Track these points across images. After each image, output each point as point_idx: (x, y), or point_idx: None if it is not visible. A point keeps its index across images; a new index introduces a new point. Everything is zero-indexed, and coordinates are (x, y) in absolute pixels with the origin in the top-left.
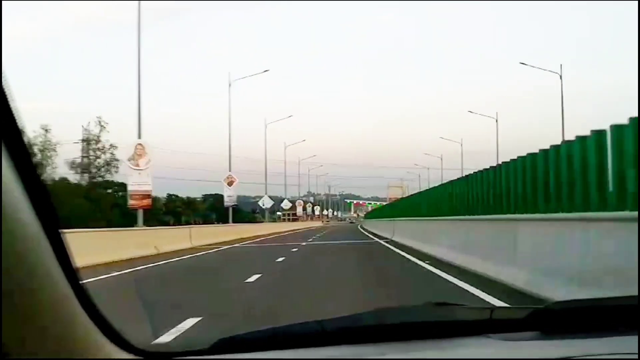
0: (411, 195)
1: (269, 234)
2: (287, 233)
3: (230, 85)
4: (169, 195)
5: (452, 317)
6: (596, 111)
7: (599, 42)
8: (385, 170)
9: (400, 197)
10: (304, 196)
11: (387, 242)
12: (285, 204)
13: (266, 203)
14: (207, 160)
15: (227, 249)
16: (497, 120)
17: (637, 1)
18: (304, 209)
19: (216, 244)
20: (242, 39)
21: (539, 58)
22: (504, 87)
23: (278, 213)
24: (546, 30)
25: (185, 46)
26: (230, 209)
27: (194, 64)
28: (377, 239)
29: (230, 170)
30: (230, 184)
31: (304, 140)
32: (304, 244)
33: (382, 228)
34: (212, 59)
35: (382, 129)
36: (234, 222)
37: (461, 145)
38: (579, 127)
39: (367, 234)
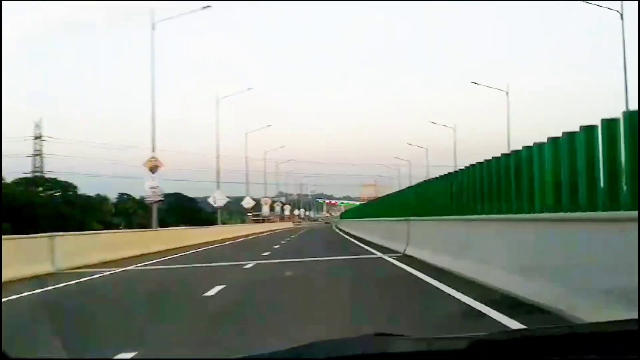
0: (400, 191)
1: (209, 243)
2: (238, 240)
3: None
4: (121, 195)
5: (391, 349)
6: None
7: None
8: (358, 169)
9: (375, 196)
10: (275, 196)
11: (409, 263)
12: (247, 202)
13: (218, 200)
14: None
15: (93, 279)
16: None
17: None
18: (271, 208)
19: (102, 264)
20: (218, 36)
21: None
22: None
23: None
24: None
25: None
26: (153, 209)
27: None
28: (374, 251)
29: (153, 151)
30: (152, 169)
31: (269, 126)
32: (249, 265)
33: (369, 230)
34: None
35: (357, 130)
36: (192, 223)
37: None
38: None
39: (350, 238)
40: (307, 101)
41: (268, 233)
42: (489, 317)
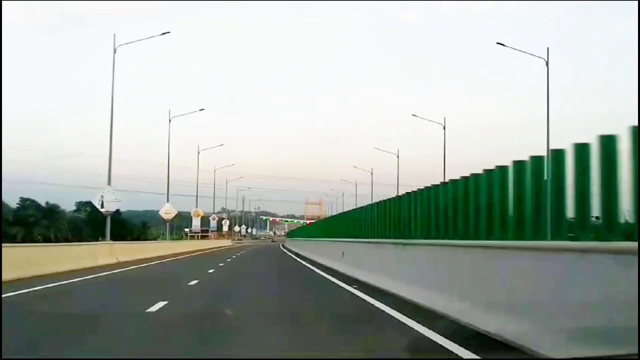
0: (360, 208)
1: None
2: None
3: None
4: (23, 200)
5: None
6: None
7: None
8: (303, 187)
9: (319, 215)
10: (218, 212)
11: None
12: (167, 211)
13: (106, 202)
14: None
15: None
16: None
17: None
18: (202, 222)
19: None
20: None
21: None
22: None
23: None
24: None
25: None
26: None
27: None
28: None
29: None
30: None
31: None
32: None
33: (330, 252)
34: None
35: (303, 147)
36: (116, 238)
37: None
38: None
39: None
40: (252, 117)
41: (183, 256)
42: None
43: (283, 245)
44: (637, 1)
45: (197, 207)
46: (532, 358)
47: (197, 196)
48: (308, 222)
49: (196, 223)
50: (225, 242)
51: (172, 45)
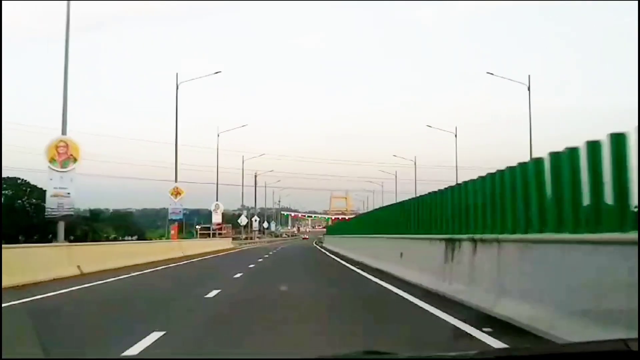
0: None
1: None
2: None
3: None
4: None
5: None
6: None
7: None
8: (325, 184)
9: (345, 209)
10: (237, 209)
11: None
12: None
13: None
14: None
15: None
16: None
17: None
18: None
19: None
20: (193, 50)
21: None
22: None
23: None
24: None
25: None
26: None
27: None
28: None
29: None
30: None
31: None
32: None
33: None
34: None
35: (330, 144)
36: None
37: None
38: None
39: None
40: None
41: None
42: None
43: (321, 245)
44: (637, 1)
45: (217, 201)
46: None
47: (217, 190)
48: (333, 217)
49: (217, 219)
50: (219, 244)
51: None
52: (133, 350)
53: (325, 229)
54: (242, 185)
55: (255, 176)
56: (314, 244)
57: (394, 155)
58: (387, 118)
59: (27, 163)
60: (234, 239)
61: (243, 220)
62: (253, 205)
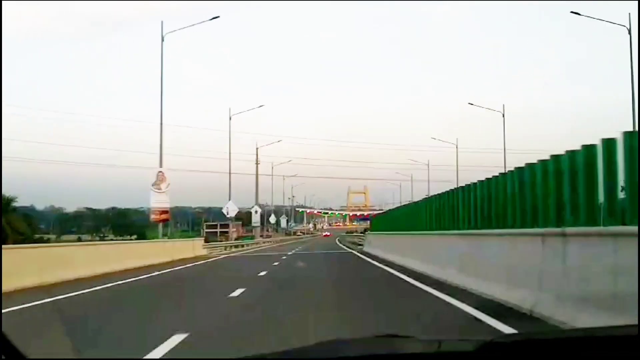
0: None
1: None
2: None
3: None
4: None
5: (400, 349)
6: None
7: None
8: (341, 180)
9: (363, 205)
10: (251, 207)
11: None
12: (231, 209)
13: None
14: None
15: None
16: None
17: None
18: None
19: None
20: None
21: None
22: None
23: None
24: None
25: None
26: None
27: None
28: None
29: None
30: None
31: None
32: None
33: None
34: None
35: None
36: None
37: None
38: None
39: None
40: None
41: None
42: None
43: (361, 251)
44: (637, 1)
45: (229, 199)
46: None
47: (229, 189)
48: (351, 213)
49: (256, 219)
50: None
51: (224, 34)
52: None
53: (345, 226)
54: (256, 175)
55: (272, 167)
56: (344, 246)
57: (433, 138)
58: (425, 102)
59: None
60: (236, 238)
61: (255, 218)
62: (267, 203)
